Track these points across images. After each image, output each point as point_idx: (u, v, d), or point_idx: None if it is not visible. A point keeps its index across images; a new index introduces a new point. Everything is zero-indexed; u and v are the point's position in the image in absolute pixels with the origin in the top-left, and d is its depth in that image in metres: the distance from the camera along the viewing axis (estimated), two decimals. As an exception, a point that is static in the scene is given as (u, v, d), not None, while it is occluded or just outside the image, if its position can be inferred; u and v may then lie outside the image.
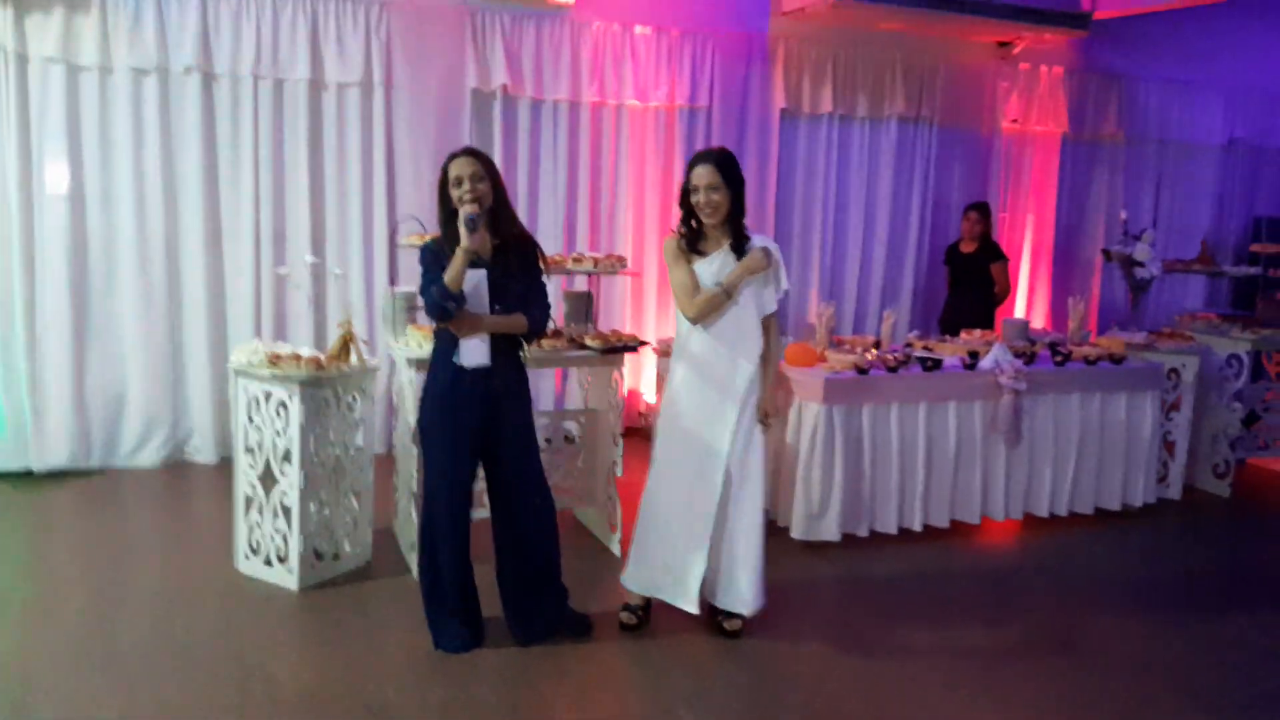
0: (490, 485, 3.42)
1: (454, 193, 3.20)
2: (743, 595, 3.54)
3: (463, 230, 3.10)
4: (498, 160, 5.76)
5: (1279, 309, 6.16)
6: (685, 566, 3.50)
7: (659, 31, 6.07)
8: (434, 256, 3.24)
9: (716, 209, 3.37)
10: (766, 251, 3.42)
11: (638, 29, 6.04)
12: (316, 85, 5.47)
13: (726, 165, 3.36)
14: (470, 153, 3.25)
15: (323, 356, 3.87)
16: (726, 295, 3.36)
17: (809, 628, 3.75)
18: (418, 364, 3.86)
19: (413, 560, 3.98)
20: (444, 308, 3.11)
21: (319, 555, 3.92)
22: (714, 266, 3.41)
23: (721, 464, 3.45)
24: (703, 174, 3.34)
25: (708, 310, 3.38)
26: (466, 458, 3.32)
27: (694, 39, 6.14)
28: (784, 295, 3.60)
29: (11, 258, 5.03)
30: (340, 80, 5.48)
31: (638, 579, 3.61)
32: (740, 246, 3.43)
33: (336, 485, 3.96)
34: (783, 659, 3.46)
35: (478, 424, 3.28)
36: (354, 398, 3.99)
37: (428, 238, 4.43)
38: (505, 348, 3.29)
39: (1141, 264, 5.67)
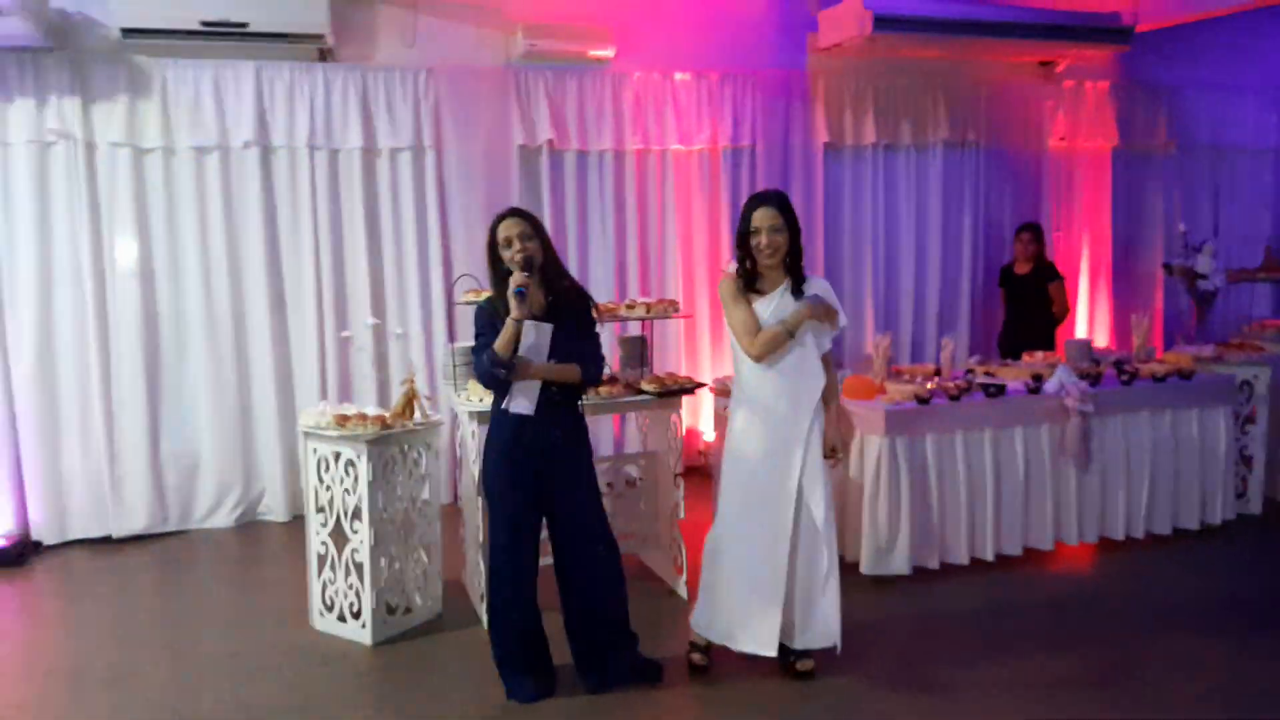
0: (553, 534, 3.44)
1: (504, 253, 3.26)
2: (826, 630, 3.49)
3: (512, 302, 3.15)
4: (546, 212, 5.89)
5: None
6: (762, 614, 3.44)
7: (698, 76, 6.16)
8: (488, 318, 3.31)
9: (777, 250, 3.40)
10: (825, 303, 3.42)
11: (677, 76, 6.14)
12: (369, 152, 5.65)
13: (786, 207, 3.42)
14: (516, 213, 3.31)
15: (387, 414, 3.96)
16: (789, 334, 3.37)
17: (883, 665, 3.68)
18: (479, 417, 3.93)
19: (483, 611, 4.01)
20: (494, 374, 3.19)
21: (391, 610, 3.98)
22: (772, 306, 3.43)
23: (791, 506, 3.42)
24: (765, 216, 3.38)
25: (771, 348, 3.39)
26: (529, 507, 3.35)
27: (733, 81, 6.22)
28: (840, 331, 3.60)
29: (87, 333, 5.25)
30: (392, 146, 5.65)
31: (709, 626, 3.58)
32: (799, 286, 3.45)
33: (406, 540, 4.03)
34: (858, 698, 3.40)
35: (539, 474, 3.31)
36: (419, 453, 4.06)
37: (484, 294, 4.54)
38: (563, 398, 3.33)
39: (1205, 276, 5.55)
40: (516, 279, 3.17)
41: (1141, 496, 4.92)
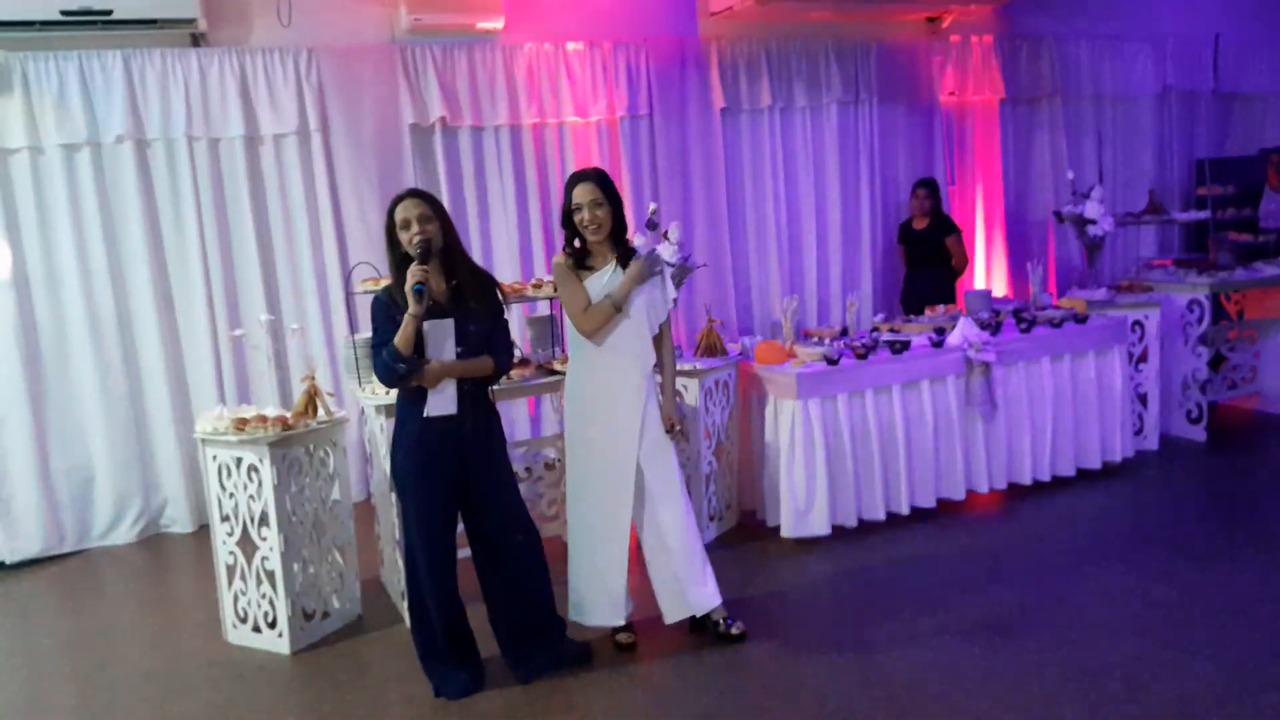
0: (471, 528, 3.38)
1: (402, 236, 3.16)
2: (704, 592, 3.57)
3: (411, 298, 3.05)
4: (443, 192, 5.74)
5: (1230, 249, 6.24)
6: (604, 588, 3.55)
7: (591, 46, 6.05)
8: (384, 310, 3.20)
9: (601, 225, 3.45)
10: (645, 259, 3.49)
11: (569, 46, 6.01)
12: (252, 140, 5.40)
13: (605, 182, 3.49)
14: (415, 194, 3.21)
15: (289, 414, 3.81)
16: (616, 308, 3.43)
17: (811, 627, 3.74)
18: (386, 410, 3.82)
19: (404, 609, 3.91)
20: (395, 370, 3.09)
21: (308, 615, 3.86)
22: (603, 281, 3.49)
23: (630, 482, 3.49)
24: (584, 192, 3.44)
25: (600, 323, 3.45)
26: (443, 505, 3.27)
27: (626, 49, 6.13)
28: (674, 304, 3.71)
29: (-41, 349, 4.92)
30: (276, 131, 5.41)
31: (579, 608, 3.62)
32: (626, 259, 3.51)
33: (318, 542, 3.90)
34: (788, 663, 3.44)
35: (452, 470, 3.24)
36: (326, 452, 3.93)
37: (383, 281, 4.39)
38: (473, 390, 3.25)
39: (1093, 221, 5.73)
40: (414, 274, 3.06)
41: (1046, 440, 5.10)
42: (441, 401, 3.18)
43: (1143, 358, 5.60)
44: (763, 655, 3.51)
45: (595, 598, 3.58)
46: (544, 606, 3.45)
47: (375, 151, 5.64)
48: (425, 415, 3.18)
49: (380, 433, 3.90)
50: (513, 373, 4.05)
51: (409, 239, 3.13)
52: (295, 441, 3.75)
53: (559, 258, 3.56)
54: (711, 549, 4.55)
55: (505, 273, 5.81)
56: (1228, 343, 6.13)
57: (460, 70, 5.76)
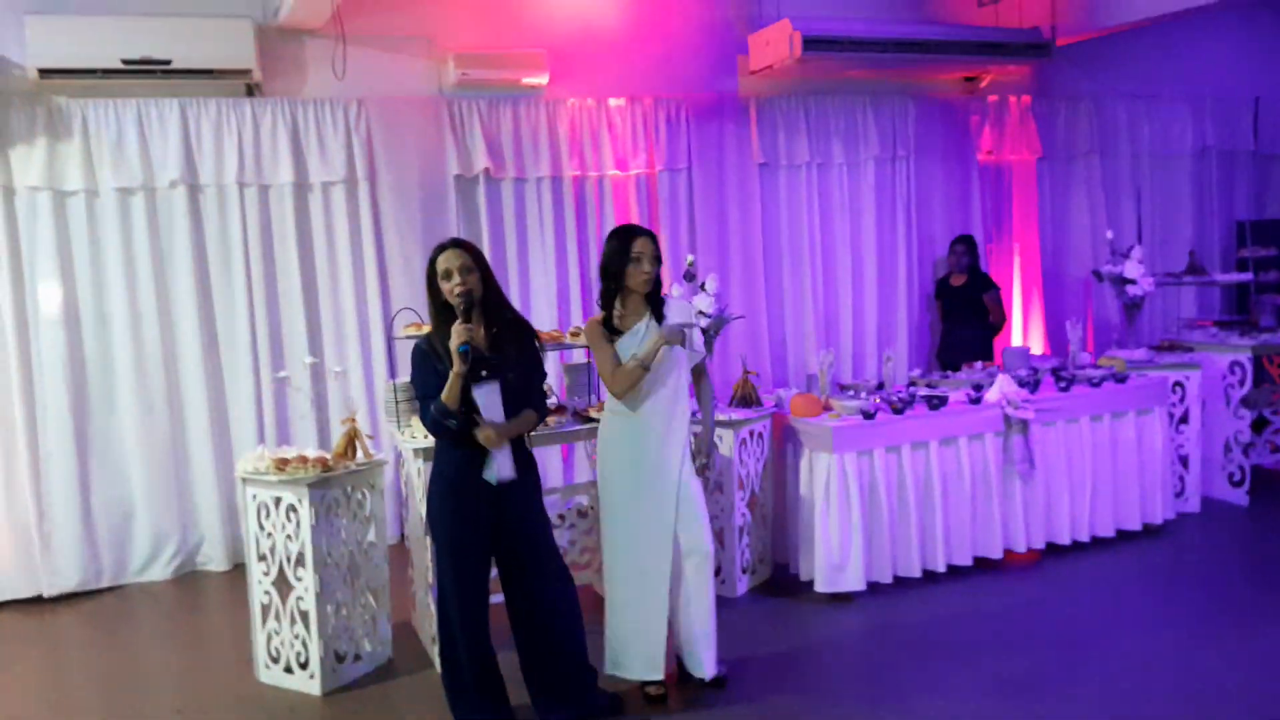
0: (505, 573, 3.38)
1: (444, 285, 3.20)
2: (710, 656, 3.59)
3: (456, 359, 3.08)
4: (485, 241, 5.84)
5: (1272, 311, 6.17)
6: (646, 641, 3.52)
7: (632, 101, 6.18)
8: (425, 359, 3.23)
9: (650, 280, 3.48)
10: (675, 327, 3.47)
11: (611, 101, 6.14)
12: (301, 187, 5.54)
13: (655, 240, 3.53)
14: (457, 244, 3.26)
15: (329, 456, 3.87)
16: (645, 368, 3.44)
17: (842, 681, 3.69)
18: (424, 453, 3.85)
19: (434, 653, 3.92)
20: (444, 425, 3.15)
21: (340, 657, 3.86)
22: (638, 338, 3.51)
23: (669, 537, 3.48)
24: (646, 244, 3.47)
25: (629, 384, 3.45)
26: (478, 549, 3.29)
27: (667, 105, 6.25)
28: (709, 356, 3.83)
29: (10, 384, 5.05)
30: (324, 179, 5.56)
31: (615, 661, 3.60)
32: (659, 316, 3.53)
33: (352, 584, 3.92)
34: (820, 716, 3.38)
35: (486, 515, 3.25)
36: (364, 494, 3.97)
37: (425, 327, 4.47)
38: (513, 439, 3.29)
39: (1133, 281, 5.69)
40: (459, 334, 3.09)
41: (1085, 500, 5.02)
42: (504, 466, 3.22)
43: (1184, 419, 5.52)
44: (795, 706, 3.45)
45: (633, 652, 3.54)
46: (577, 657, 3.43)
47: (420, 200, 5.77)
48: (486, 479, 3.21)
49: (417, 476, 3.94)
50: (549, 419, 4.08)
51: (450, 289, 3.17)
52: (334, 483, 3.80)
53: (592, 321, 3.59)
54: (744, 601, 4.53)
55: (543, 320, 5.88)
56: (1271, 405, 6.02)
57: (505, 123, 5.90)
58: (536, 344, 3.39)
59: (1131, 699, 3.42)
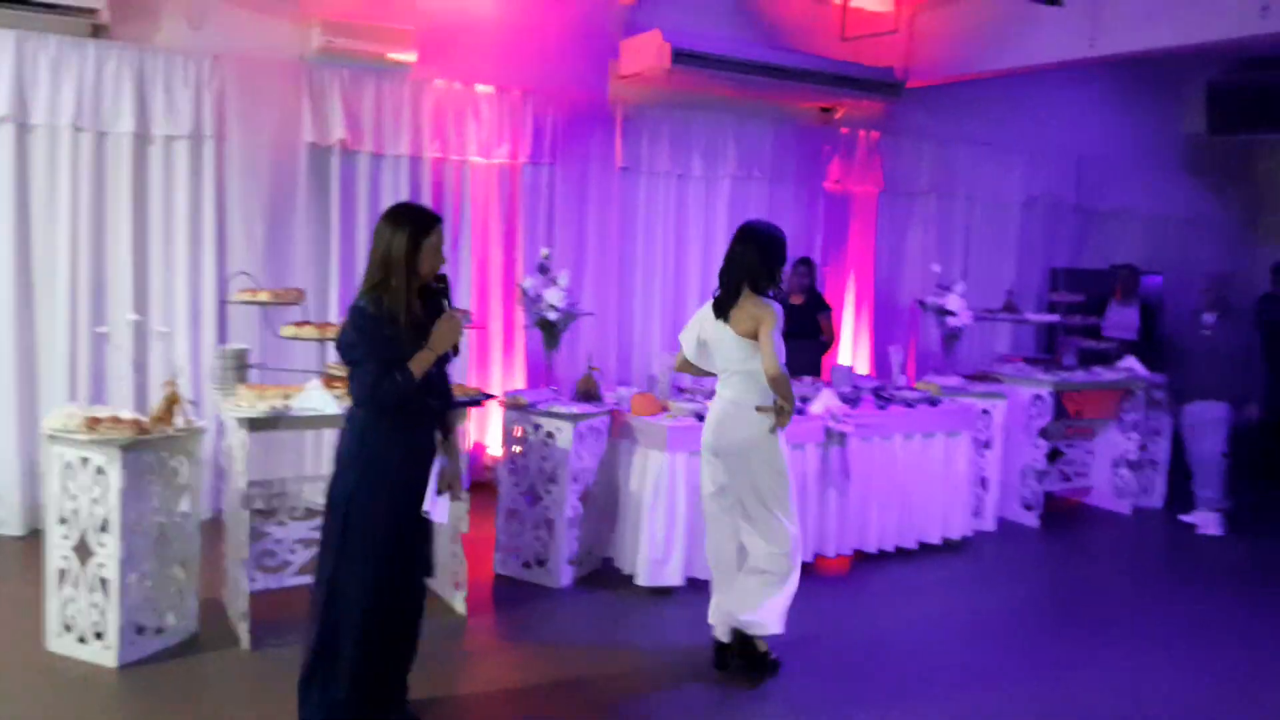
0: None
1: (427, 259, 3.00)
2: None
3: (446, 349, 3.01)
4: (335, 215, 5.73)
5: (1075, 352, 6.76)
6: None
7: (501, 91, 6.18)
8: (376, 325, 2.93)
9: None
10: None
11: (479, 87, 6.13)
12: (142, 138, 5.27)
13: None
14: (440, 220, 3.10)
15: (145, 419, 3.71)
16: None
17: (656, 673, 3.82)
18: (249, 423, 3.75)
19: (243, 630, 3.82)
20: (407, 398, 2.94)
21: (140, 630, 3.70)
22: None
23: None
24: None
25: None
26: (412, 541, 3.10)
27: (535, 99, 6.28)
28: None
29: None
30: (168, 133, 5.30)
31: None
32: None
33: (160, 555, 3.77)
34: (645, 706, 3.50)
35: (419, 513, 3.10)
36: (180, 461, 3.82)
37: (261, 294, 4.35)
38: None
39: (953, 313, 6.12)
40: (456, 332, 3.02)
41: (892, 513, 5.37)
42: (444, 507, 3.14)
43: (987, 444, 5.98)
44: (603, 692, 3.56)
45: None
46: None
47: (269, 165, 5.58)
48: (423, 510, 3.06)
49: (240, 447, 3.83)
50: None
51: (433, 268, 3.03)
52: (149, 447, 3.64)
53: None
54: (568, 593, 4.62)
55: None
56: (1065, 438, 6.60)
57: (367, 96, 5.78)
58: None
59: (925, 691, 3.69)
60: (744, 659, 3.84)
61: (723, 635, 3.87)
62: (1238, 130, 8.30)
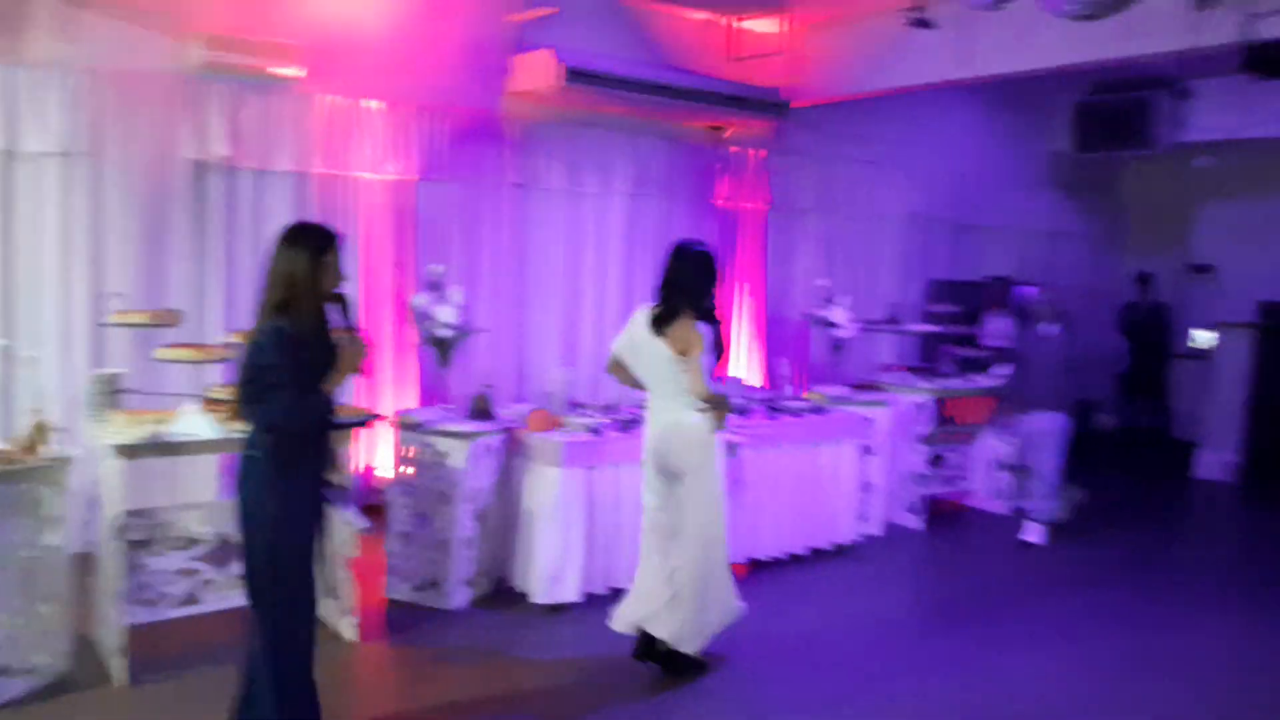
0: None
1: (330, 279, 3.02)
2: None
3: (354, 369, 3.03)
4: (219, 232, 5.57)
5: (952, 361, 7.07)
6: None
7: (392, 106, 6.11)
8: (293, 346, 2.90)
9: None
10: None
11: (368, 103, 6.04)
12: (10, 154, 5.01)
13: None
14: (338, 238, 3.10)
15: (10, 447, 3.53)
16: None
17: (552, 691, 3.82)
18: (127, 451, 3.62)
19: (119, 667, 3.67)
20: (323, 420, 2.98)
21: (3, 671, 3.52)
22: None
23: None
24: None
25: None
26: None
27: (426, 115, 6.23)
28: None
29: None
30: (38, 150, 5.06)
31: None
32: None
33: (26, 592, 3.58)
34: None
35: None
36: (47, 492, 3.64)
37: (136, 315, 4.20)
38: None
39: (838, 325, 6.33)
40: (362, 355, 3.04)
41: (784, 520, 5.50)
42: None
43: (873, 451, 6.19)
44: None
45: None
46: None
47: (147, 182, 5.38)
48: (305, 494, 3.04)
49: (116, 475, 3.68)
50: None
51: (331, 285, 3.02)
52: (14, 478, 3.48)
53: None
54: (463, 614, 4.59)
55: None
56: (946, 443, 6.88)
57: (251, 111, 5.64)
58: None
59: (844, 700, 3.80)
60: (664, 662, 4.00)
61: (629, 632, 4.05)
62: (1102, 148, 8.81)
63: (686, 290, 3.92)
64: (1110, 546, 6.29)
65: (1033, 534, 6.25)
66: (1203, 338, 9.36)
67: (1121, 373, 8.93)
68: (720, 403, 3.88)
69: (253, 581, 2.97)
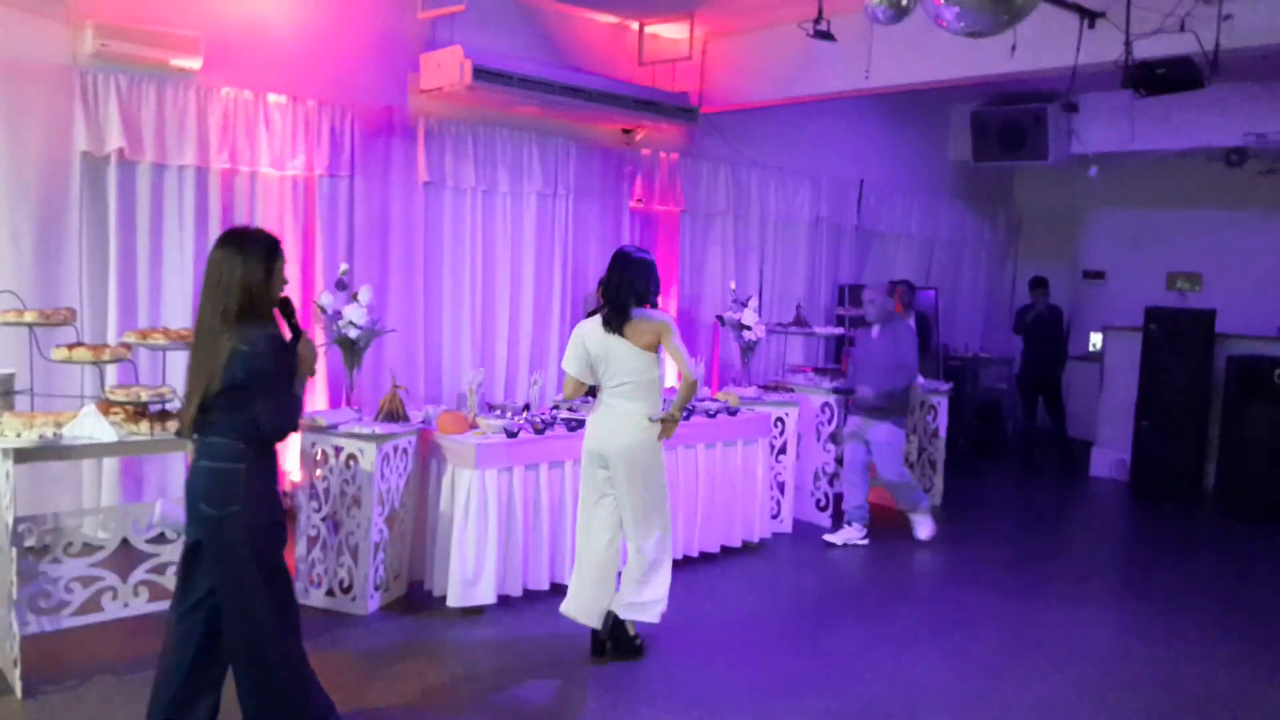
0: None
1: (278, 285, 3.08)
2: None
3: (312, 369, 3.10)
4: (113, 228, 5.36)
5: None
6: None
7: (295, 101, 5.97)
8: (288, 356, 3.05)
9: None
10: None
11: (271, 97, 5.90)
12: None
13: None
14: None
15: (-113, 454, 3.34)
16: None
17: (467, 695, 3.81)
18: (14, 454, 3.46)
19: (14, 678, 3.51)
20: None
21: (-117, 689, 3.33)
22: None
23: None
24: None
25: None
26: None
27: (332, 110, 6.11)
28: None
29: None
30: (-88, 138, 4.80)
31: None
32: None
33: (-92, 603, 3.40)
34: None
35: None
36: (-69, 499, 3.47)
37: (27, 314, 4.02)
38: None
39: (749, 327, 6.46)
40: (316, 355, 3.14)
41: (697, 519, 5.59)
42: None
43: (783, 450, 6.34)
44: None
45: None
46: None
47: (37, 176, 5.15)
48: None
49: (5, 479, 3.51)
50: (170, 424, 3.84)
51: (279, 290, 3.08)
52: (-108, 485, 3.29)
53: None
54: (375, 619, 4.52)
55: (177, 318, 5.47)
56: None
57: (147, 103, 5.44)
58: None
59: (735, 697, 3.88)
60: (615, 644, 4.16)
61: (595, 623, 4.17)
62: (998, 157, 9.21)
63: (636, 294, 4.11)
64: (1004, 545, 6.58)
65: (923, 530, 6.46)
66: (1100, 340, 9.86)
67: (1017, 374, 9.41)
68: (689, 398, 4.20)
69: (234, 590, 2.97)
